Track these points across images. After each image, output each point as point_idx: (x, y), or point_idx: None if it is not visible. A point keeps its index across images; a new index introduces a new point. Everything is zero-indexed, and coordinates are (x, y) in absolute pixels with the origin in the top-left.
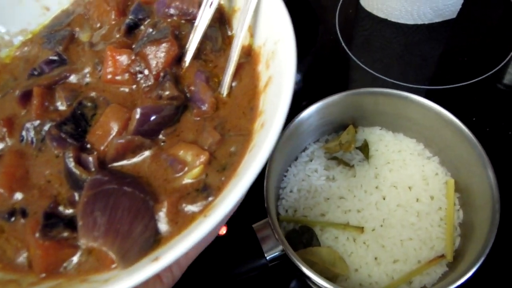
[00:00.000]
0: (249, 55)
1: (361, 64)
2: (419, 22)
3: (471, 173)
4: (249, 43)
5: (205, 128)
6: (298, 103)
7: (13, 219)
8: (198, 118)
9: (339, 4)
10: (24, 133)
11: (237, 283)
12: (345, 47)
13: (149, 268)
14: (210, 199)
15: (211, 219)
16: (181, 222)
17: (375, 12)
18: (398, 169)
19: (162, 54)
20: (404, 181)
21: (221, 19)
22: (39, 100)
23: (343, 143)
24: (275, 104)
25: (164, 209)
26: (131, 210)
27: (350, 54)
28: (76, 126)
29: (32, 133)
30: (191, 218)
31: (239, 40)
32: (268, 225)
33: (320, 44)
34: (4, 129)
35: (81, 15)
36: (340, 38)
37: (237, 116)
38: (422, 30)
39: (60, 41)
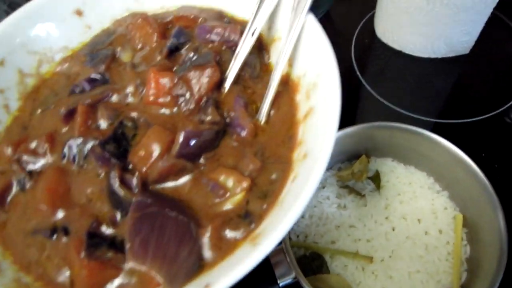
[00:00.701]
0: (286, 83)
1: (374, 94)
2: (433, 56)
3: (480, 210)
4: (287, 73)
5: (245, 154)
6: None
7: (54, 236)
8: (237, 144)
9: (356, 33)
10: (66, 150)
11: None
12: (359, 75)
13: None
14: (252, 226)
15: (261, 249)
16: (224, 248)
17: (390, 44)
18: (408, 201)
19: (205, 79)
20: (414, 214)
21: (260, 47)
22: (83, 118)
23: (356, 172)
24: (318, 136)
25: (208, 234)
26: (176, 234)
27: (364, 83)
28: (118, 146)
29: (74, 150)
30: (234, 244)
31: (280, 69)
32: (282, 251)
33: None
34: (46, 145)
35: (123, 35)
36: (355, 67)
37: (276, 143)
38: (436, 63)
39: (102, 60)
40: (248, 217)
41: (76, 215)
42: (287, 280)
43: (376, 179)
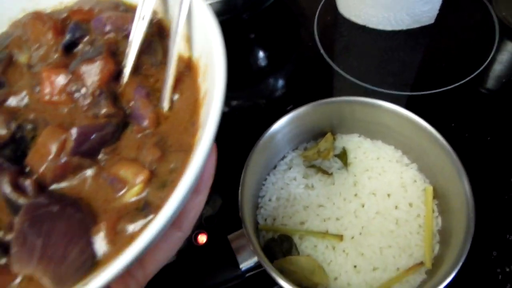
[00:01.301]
0: (189, 67)
1: (340, 71)
2: (397, 28)
3: (448, 180)
4: (189, 56)
5: (145, 145)
6: (282, 108)
7: None
8: (139, 135)
9: (318, 10)
10: None
11: None
12: (323, 53)
13: None
14: (149, 217)
15: (142, 237)
16: (119, 243)
17: (353, 19)
18: (376, 177)
19: (97, 72)
20: (383, 189)
21: (160, 33)
22: None
23: (322, 151)
24: (207, 119)
25: (103, 231)
26: (67, 233)
27: (328, 60)
28: (16, 150)
29: None
30: (130, 238)
31: (173, 51)
32: (244, 235)
33: (300, 50)
34: None
35: (19, 36)
36: (319, 45)
37: (179, 131)
38: (401, 36)
39: None
40: (145, 209)
41: None
42: (250, 264)
43: (343, 156)
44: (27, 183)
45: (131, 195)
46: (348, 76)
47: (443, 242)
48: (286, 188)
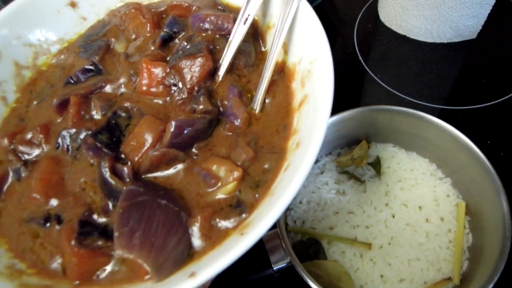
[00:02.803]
0: (282, 71)
1: (377, 79)
2: (438, 40)
3: (483, 198)
4: (283, 60)
5: (238, 144)
6: None
7: (48, 225)
8: (231, 133)
9: (359, 17)
10: (60, 140)
11: None
12: (362, 61)
13: (186, 284)
14: (244, 215)
15: (248, 238)
16: (214, 237)
17: (394, 28)
18: (409, 188)
19: (197, 69)
20: (415, 200)
21: (255, 35)
22: (76, 109)
23: (356, 158)
24: (311, 125)
25: (198, 224)
26: (165, 223)
27: (366, 68)
28: (111, 136)
29: (68, 141)
30: (225, 234)
31: (273, 56)
32: (277, 236)
33: (337, 56)
34: (41, 136)
35: (117, 26)
36: (358, 52)
37: (270, 133)
38: (441, 48)
39: (96, 51)
40: (239, 207)
41: (69, 204)
42: (282, 264)
43: (376, 165)
44: (125, 169)
45: (225, 191)
46: (384, 85)
47: (473, 260)
48: (317, 192)
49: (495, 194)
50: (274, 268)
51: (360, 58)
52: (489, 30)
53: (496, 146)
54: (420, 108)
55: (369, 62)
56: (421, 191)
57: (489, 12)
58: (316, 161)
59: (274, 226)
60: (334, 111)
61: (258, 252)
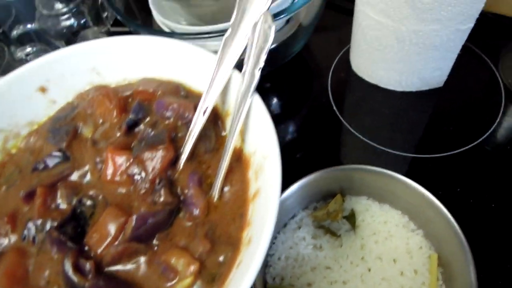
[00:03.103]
0: (240, 159)
1: (351, 129)
2: (407, 89)
3: (451, 248)
4: (240, 147)
5: (197, 235)
6: (292, 155)
7: None
8: (190, 223)
9: (332, 66)
10: (26, 231)
11: None
12: (336, 110)
13: None
14: None
15: None
16: None
17: (365, 78)
18: (383, 241)
19: (159, 160)
20: (389, 254)
21: (215, 120)
22: (42, 200)
23: (331, 212)
24: (261, 223)
25: None
26: None
27: (340, 118)
28: (76, 226)
29: (33, 232)
30: None
31: (232, 142)
32: None
33: (313, 105)
34: (8, 226)
35: (85, 109)
36: (332, 101)
37: (227, 222)
38: (411, 97)
39: (63, 137)
40: None
41: None
42: None
43: (351, 218)
44: (87, 266)
45: (182, 286)
46: (357, 134)
47: None
48: (295, 248)
49: (460, 246)
50: None
51: (334, 107)
52: (455, 78)
53: (465, 194)
54: (392, 157)
55: (343, 111)
56: (395, 244)
57: (453, 63)
58: (293, 216)
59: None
60: (311, 162)
61: None
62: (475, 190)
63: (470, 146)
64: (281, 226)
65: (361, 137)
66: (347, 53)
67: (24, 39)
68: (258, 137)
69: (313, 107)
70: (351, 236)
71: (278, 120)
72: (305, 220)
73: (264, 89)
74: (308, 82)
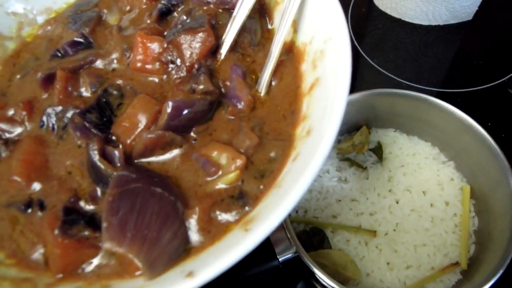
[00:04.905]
0: (291, 52)
1: (373, 64)
2: (434, 23)
3: (489, 180)
4: (292, 39)
5: (242, 129)
6: None
7: (29, 210)
8: (233, 117)
9: (352, 2)
10: (45, 118)
11: (246, 284)
12: (357, 45)
13: (182, 284)
14: (247, 208)
15: (254, 236)
16: (214, 231)
17: (388, 12)
18: (412, 173)
19: (198, 45)
20: (419, 185)
21: (261, 11)
22: (62, 85)
23: (356, 144)
24: (324, 111)
25: (195, 216)
26: (159, 214)
27: (362, 53)
28: (101, 116)
29: (53, 119)
30: (226, 228)
31: (282, 35)
32: (281, 226)
33: None
34: (24, 113)
35: None
36: (353, 37)
37: (277, 118)
38: (437, 31)
39: (86, 23)
40: (242, 199)
41: (53, 188)
42: (288, 255)
43: (378, 150)
44: (116, 153)
45: (226, 181)
46: (381, 69)
47: (480, 243)
48: (318, 181)
49: (502, 175)
50: (280, 259)
51: (355, 43)
52: (485, 11)
53: (496, 128)
54: (417, 92)
55: (364, 47)
56: (425, 176)
57: None
58: None
59: None
60: None
61: (263, 243)
62: (507, 124)
63: (500, 81)
64: None
65: (384, 72)
66: None
67: None
68: (318, 22)
69: None
70: (378, 168)
71: None
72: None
73: None
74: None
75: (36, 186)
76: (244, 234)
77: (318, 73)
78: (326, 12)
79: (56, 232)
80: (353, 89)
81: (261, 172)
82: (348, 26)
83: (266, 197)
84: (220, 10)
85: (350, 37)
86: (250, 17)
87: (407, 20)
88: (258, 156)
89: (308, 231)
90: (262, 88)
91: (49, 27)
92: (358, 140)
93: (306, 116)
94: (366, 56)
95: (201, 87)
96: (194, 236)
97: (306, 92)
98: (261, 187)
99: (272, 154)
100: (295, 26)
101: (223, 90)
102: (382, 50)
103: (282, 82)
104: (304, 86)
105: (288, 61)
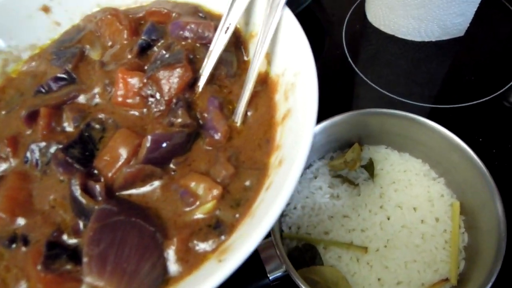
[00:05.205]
0: (265, 82)
1: (367, 80)
2: (426, 39)
3: (477, 197)
4: (266, 71)
5: (218, 159)
6: None
7: (14, 246)
8: (211, 148)
9: (347, 18)
10: (28, 154)
11: None
12: (351, 62)
13: None
14: (223, 237)
15: (228, 265)
16: (192, 261)
17: (382, 28)
18: (403, 189)
19: (176, 80)
20: (409, 202)
21: (237, 44)
22: (46, 121)
23: (348, 161)
24: (294, 141)
25: (174, 247)
26: (139, 246)
27: (356, 69)
28: (83, 150)
29: (37, 155)
30: (203, 257)
31: (256, 66)
32: (272, 244)
33: (327, 58)
34: (8, 149)
35: (92, 32)
36: (347, 53)
37: (252, 148)
38: (429, 47)
39: (69, 59)
40: (218, 227)
41: (37, 223)
42: (278, 273)
43: (369, 167)
44: (97, 187)
45: (204, 211)
46: (374, 86)
47: (469, 259)
48: (311, 197)
49: (489, 193)
50: (270, 278)
51: (349, 59)
52: (476, 27)
53: (487, 144)
54: (410, 108)
55: (359, 63)
56: (415, 192)
57: (476, 9)
58: (309, 166)
59: (268, 235)
60: (326, 115)
61: (253, 262)
62: (498, 140)
63: (490, 97)
64: None
65: (378, 88)
66: (362, 4)
67: None
68: (288, 55)
69: (328, 60)
70: (370, 185)
71: None
72: (321, 170)
73: None
74: (321, 36)
75: (21, 221)
76: (217, 265)
77: (289, 104)
78: (295, 47)
79: (39, 267)
80: (347, 106)
81: (237, 201)
82: (343, 43)
83: (241, 226)
84: (198, 45)
85: (344, 54)
86: (226, 50)
87: (400, 36)
88: (234, 185)
89: (300, 247)
90: (239, 118)
91: (33, 63)
92: (350, 157)
93: (280, 146)
94: (360, 73)
95: (179, 120)
96: (173, 266)
97: (279, 122)
98: (237, 215)
99: (247, 183)
100: (269, 58)
101: (201, 121)
102: (375, 66)
103: (257, 112)
104: (277, 116)
105: (263, 92)
